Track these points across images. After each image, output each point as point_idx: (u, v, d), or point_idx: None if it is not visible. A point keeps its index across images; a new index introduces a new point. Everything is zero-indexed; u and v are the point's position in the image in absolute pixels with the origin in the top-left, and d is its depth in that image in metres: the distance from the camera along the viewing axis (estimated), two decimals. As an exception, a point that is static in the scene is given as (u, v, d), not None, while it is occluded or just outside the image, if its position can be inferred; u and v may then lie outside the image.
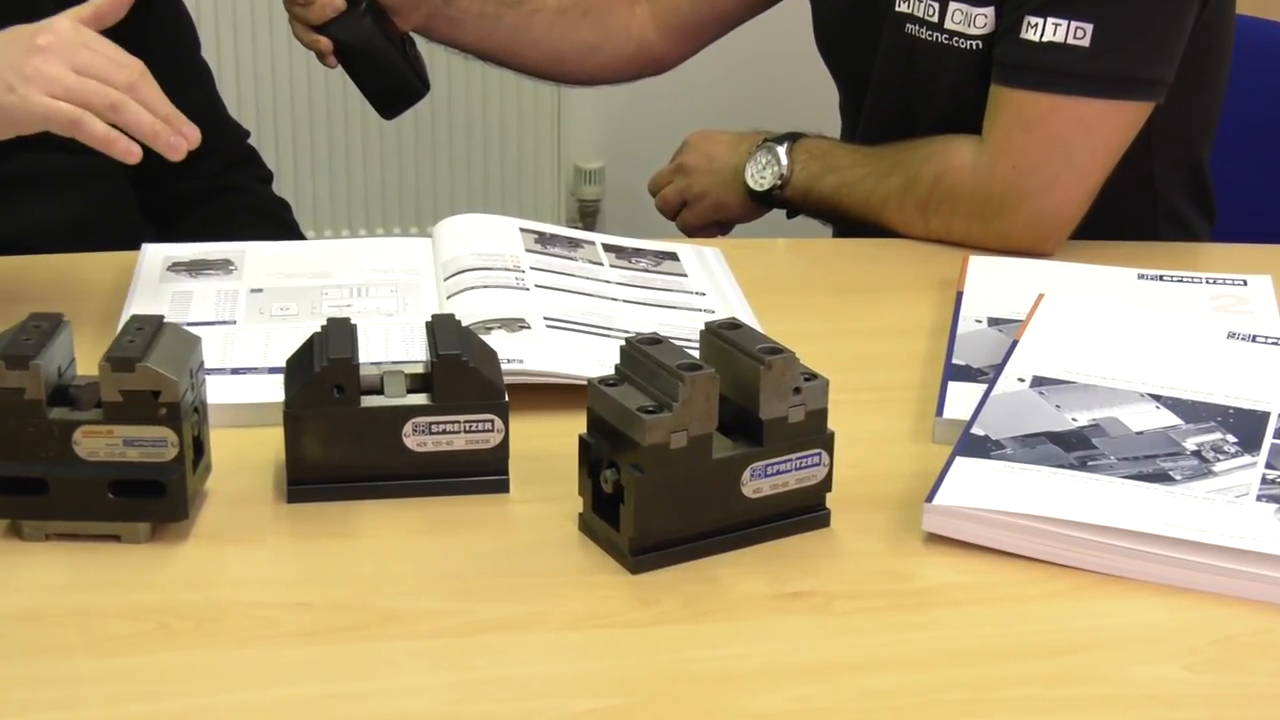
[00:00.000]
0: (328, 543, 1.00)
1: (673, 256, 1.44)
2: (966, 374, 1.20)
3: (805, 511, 1.01)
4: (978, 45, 1.53)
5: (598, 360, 1.17)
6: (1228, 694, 0.88)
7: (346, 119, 3.09)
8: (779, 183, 1.61)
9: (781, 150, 1.61)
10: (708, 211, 1.70)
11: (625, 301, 1.32)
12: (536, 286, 1.30)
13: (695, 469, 0.95)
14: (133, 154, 1.20)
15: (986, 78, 1.51)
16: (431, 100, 1.93)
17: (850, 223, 1.60)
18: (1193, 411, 1.11)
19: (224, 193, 1.69)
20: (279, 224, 1.75)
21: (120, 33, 1.62)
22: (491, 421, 1.03)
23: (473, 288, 1.28)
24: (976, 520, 0.99)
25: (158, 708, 0.84)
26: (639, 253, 1.44)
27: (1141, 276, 1.41)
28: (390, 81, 1.65)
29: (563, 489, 1.02)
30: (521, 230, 1.42)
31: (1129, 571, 0.97)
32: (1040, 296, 1.28)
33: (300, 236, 1.78)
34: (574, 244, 1.42)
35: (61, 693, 0.84)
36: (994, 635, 0.92)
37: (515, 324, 1.22)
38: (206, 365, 1.04)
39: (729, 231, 1.75)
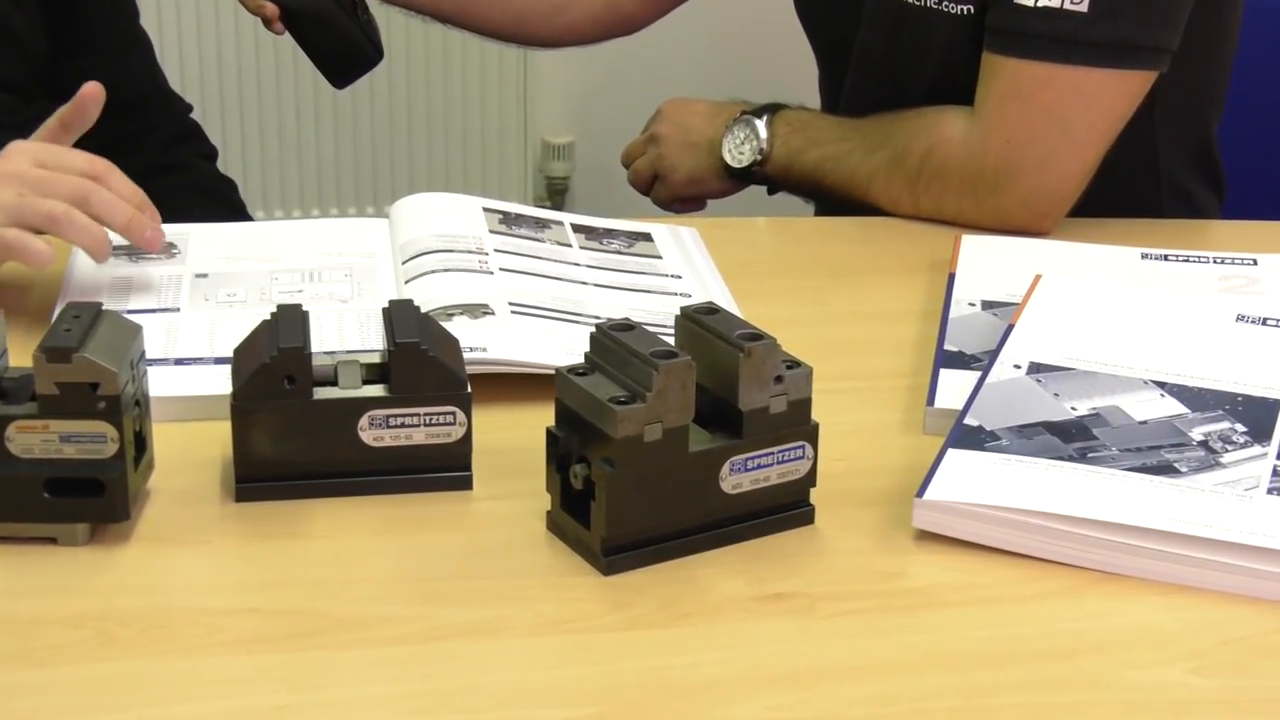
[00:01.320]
0: (279, 544, 1.00)
1: (646, 237, 1.44)
2: (959, 361, 1.21)
3: (788, 508, 1.02)
4: (969, 10, 1.53)
5: (566, 348, 1.17)
6: (1236, 699, 0.88)
7: (297, 90, 3.09)
8: (759, 158, 1.61)
9: (760, 123, 1.61)
10: (681, 186, 1.71)
11: (596, 285, 1.32)
12: (501, 270, 1.30)
13: (670, 463, 0.96)
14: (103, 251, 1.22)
15: (979, 46, 1.52)
16: (388, 70, 1.92)
17: (835, 200, 1.61)
18: (1199, 399, 1.12)
19: (165, 171, 1.68)
20: (224, 204, 1.74)
21: (55, 2, 1.62)
22: (453, 414, 1.03)
23: (433, 271, 1.28)
24: (970, 516, 0.99)
25: (98, 721, 0.84)
26: (610, 233, 1.44)
27: (1145, 256, 1.42)
28: (341, 48, 1.65)
29: (530, 485, 1.02)
30: (485, 210, 1.42)
31: (1131, 570, 0.97)
32: (1037, 278, 1.28)
33: (247, 217, 1.78)
34: (541, 224, 1.42)
35: (-5, 706, 0.84)
36: (988, 638, 0.92)
37: (478, 310, 1.22)
38: (148, 355, 1.04)
39: (704, 206, 1.75)
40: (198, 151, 1.78)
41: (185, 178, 1.73)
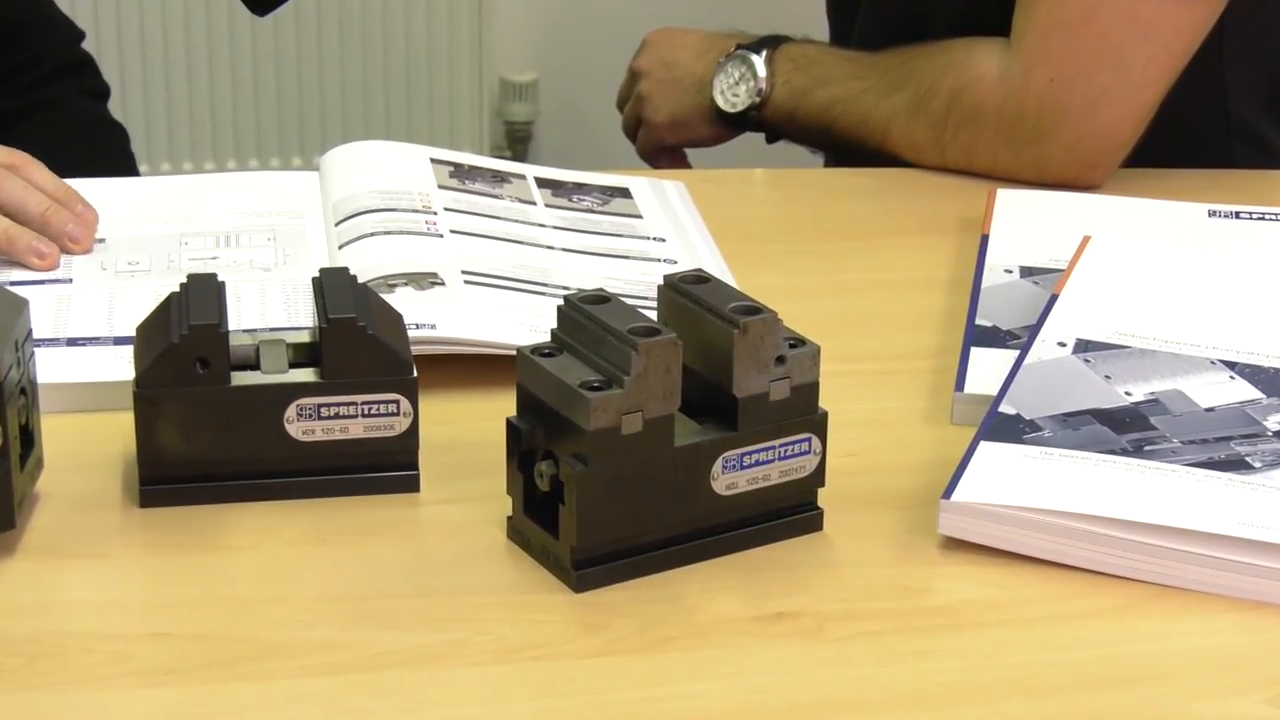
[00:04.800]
0: (191, 557, 1.00)
1: (624, 193, 1.45)
2: (993, 338, 1.21)
3: (791, 512, 1.02)
4: (1005, -76, 1.54)
5: (530, 324, 1.17)
6: (1317, 733, 0.89)
7: (209, 19, 3.08)
8: (756, 99, 1.61)
9: (758, 60, 1.61)
10: (663, 130, 1.71)
11: (564, 250, 1.33)
12: (452, 232, 1.30)
13: (653, 460, 0.96)
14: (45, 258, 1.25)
15: (1016, -35, 1.52)
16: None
17: (846, 148, 1.61)
18: (1275, 383, 1.12)
19: (41, 110, 1.66)
20: (106, 158, 1.71)
21: None
22: (396, 403, 1.04)
23: (372, 234, 1.29)
24: (1005, 520, 1.00)
25: (-21, 766, 0.85)
26: (581, 188, 1.44)
27: (1213, 214, 1.42)
28: None
29: (487, 487, 1.02)
30: (433, 161, 1.42)
31: (1195, 583, 0.98)
32: (1085, 240, 1.29)
33: (134, 170, 1.76)
34: (499, 178, 1.43)
35: None
36: (1027, 664, 0.93)
37: (425, 279, 1.22)
38: (36, 335, 1.05)
39: (686, 165, 1.75)
40: (84, 88, 1.75)
41: (57, 119, 1.69)
